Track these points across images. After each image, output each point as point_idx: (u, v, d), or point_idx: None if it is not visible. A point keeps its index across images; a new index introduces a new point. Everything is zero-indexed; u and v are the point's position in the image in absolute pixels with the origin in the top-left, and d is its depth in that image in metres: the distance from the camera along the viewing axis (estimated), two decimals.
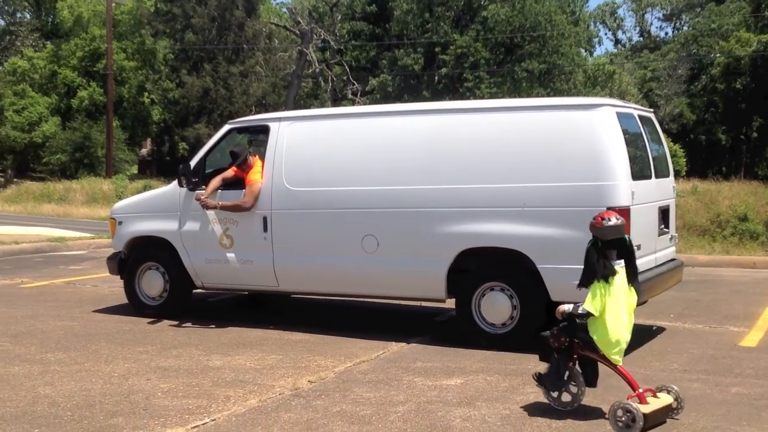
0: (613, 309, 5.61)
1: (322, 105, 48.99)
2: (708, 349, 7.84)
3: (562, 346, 5.73)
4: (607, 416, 5.47)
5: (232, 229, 8.79)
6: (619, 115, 7.58)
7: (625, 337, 5.69)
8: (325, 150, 8.59)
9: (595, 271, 5.63)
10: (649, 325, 9.03)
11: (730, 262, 14.79)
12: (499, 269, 7.85)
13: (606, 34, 73.59)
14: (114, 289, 11.15)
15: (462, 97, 40.64)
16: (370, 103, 41.20)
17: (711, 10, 52.03)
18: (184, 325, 8.88)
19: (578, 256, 7.26)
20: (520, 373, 6.82)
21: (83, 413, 5.69)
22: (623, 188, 7.30)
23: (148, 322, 9.05)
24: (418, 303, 9.54)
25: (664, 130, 9.61)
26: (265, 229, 8.63)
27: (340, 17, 50.69)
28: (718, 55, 44.82)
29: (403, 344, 8.02)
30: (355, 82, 48.46)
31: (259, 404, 5.96)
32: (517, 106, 8.26)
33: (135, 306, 9.54)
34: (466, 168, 7.83)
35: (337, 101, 48.71)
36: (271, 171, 8.66)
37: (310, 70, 51.67)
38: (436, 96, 41.96)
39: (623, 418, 5.30)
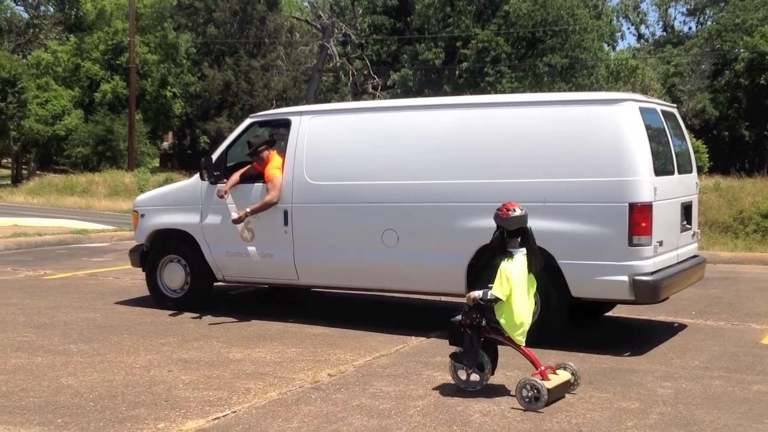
0: (518, 294, 5.94)
1: (343, 99, 49.05)
2: (729, 347, 7.79)
3: (473, 322, 6.01)
4: (513, 393, 5.81)
5: (253, 222, 8.82)
6: (642, 110, 7.53)
7: (527, 319, 6.04)
8: (346, 144, 8.60)
9: (497, 258, 6.01)
10: (670, 321, 8.98)
11: (753, 259, 14.66)
12: None
13: (629, 28, 73.15)
14: (136, 281, 11.23)
15: (483, 91, 40.56)
16: (390, 98, 41.18)
17: (735, 4, 51.56)
18: (205, 317, 8.94)
19: (600, 252, 7.30)
20: None
21: (105, 404, 5.74)
22: (645, 184, 7.25)
23: (170, 315, 9.11)
24: (437, 298, 9.53)
25: (687, 126, 9.54)
26: (286, 223, 8.66)
27: (361, 11, 50.70)
28: (742, 50, 44.42)
29: (423, 339, 8.02)
30: (375, 77, 48.46)
31: (279, 397, 5.99)
32: (539, 101, 8.23)
33: (156, 298, 9.61)
34: (487, 163, 7.81)
35: (357, 95, 48.73)
36: (292, 165, 8.68)
37: (331, 64, 51.75)
38: (457, 90, 41.89)
39: (530, 394, 5.68)
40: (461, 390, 6.13)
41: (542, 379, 5.76)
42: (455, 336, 6.14)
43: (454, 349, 6.18)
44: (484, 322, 6.02)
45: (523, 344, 6.02)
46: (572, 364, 6.12)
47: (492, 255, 6.13)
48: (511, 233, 6.02)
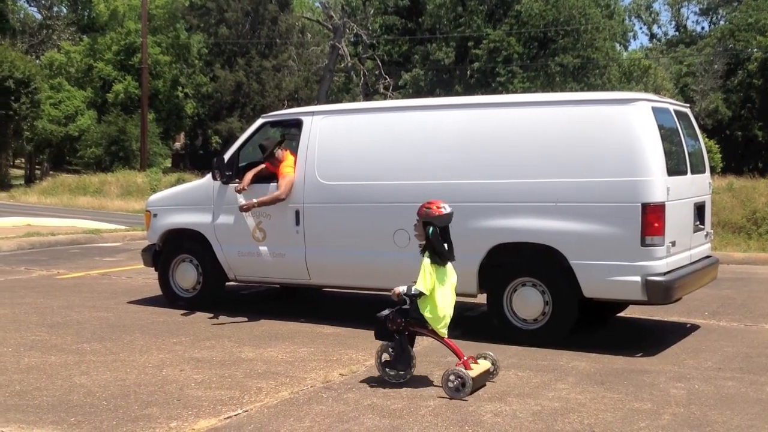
0: (441, 288, 6.25)
1: (354, 99, 49.07)
2: (743, 348, 7.75)
3: (399, 327, 6.29)
4: (440, 383, 6.08)
5: (265, 222, 8.84)
6: (655, 110, 7.51)
7: (449, 312, 6.34)
8: (358, 144, 8.60)
9: (442, 251, 6.29)
10: (683, 322, 8.95)
11: (766, 260, 14.58)
12: (532, 265, 7.81)
13: (641, 28, 72.97)
14: (148, 280, 11.28)
15: (494, 91, 40.51)
16: (402, 98, 41.16)
17: (748, 4, 51.30)
18: (217, 317, 8.96)
19: (612, 252, 7.28)
20: (551, 369, 6.79)
21: (118, 402, 5.77)
22: (658, 184, 7.22)
23: (182, 314, 9.14)
24: None
25: (700, 126, 9.50)
26: (298, 223, 8.67)
27: (372, 11, 50.69)
28: (755, 50, 44.18)
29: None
30: (387, 77, 48.48)
31: (291, 396, 6.00)
32: (551, 101, 8.21)
33: (169, 298, 9.64)
34: (499, 163, 7.80)
35: (369, 95, 48.75)
36: (304, 165, 8.69)
37: (343, 65, 51.80)
38: (469, 91, 41.84)
39: (455, 382, 5.97)
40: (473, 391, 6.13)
41: (465, 368, 6.04)
42: (381, 331, 6.39)
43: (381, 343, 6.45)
44: (409, 319, 6.29)
45: (446, 336, 6.34)
46: (491, 354, 6.46)
47: (440, 251, 6.33)
48: (435, 231, 6.30)
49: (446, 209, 6.37)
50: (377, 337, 6.45)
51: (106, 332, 8.14)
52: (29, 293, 10.45)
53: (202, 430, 5.22)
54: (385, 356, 6.42)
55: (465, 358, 6.20)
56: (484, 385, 6.26)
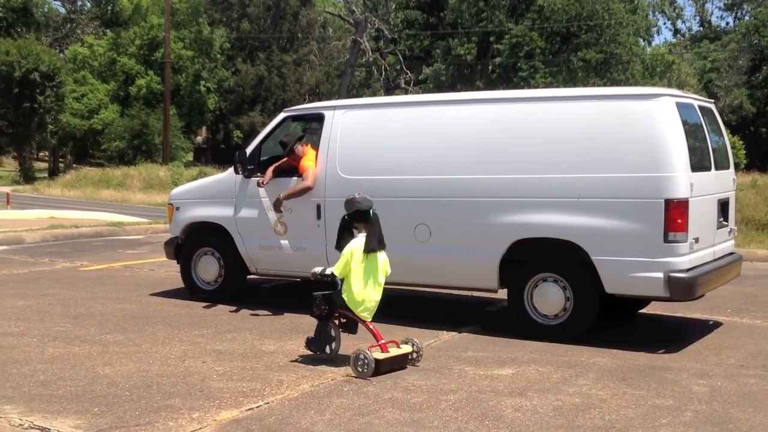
0: (357, 274, 6.62)
1: (375, 94, 49.08)
2: (766, 345, 7.69)
3: (322, 313, 6.74)
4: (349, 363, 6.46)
5: (286, 216, 8.87)
6: (679, 105, 7.45)
7: (369, 297, 6.67)
8: (379, 139, 8.60)
9: (345, 239, 6.75)
10: (705, 319, 8.89)
11: None
12: (553, 260, 7.79)
13: (665, 23, 72.31)
14: (170, 273, 11.35)
15: (516, 87, 40.32)
16: (423, 93, 41.11)
17: None
18: (238, 310, 9.01)
19: (635, 248, 7.25)
20: (572, 365, 6.78)
21: (141, 393, 5.82)
22: (682, 180, 7.17)
23: (204, 306, 9.20)
24: (469, 293, 9.52)
25: (724, 122, 9.42)
26: (319, 217, 8.69)
27: (394, 6, 50.65)
28: None
29: (455, 333, 8.02)
30: (408, 72, 48.45)
31: (312, 389, 6.02)
32: (574, 96, 8.16)
33: (191, 290, 9.70)
34: (521, 158, 7.78)
35: (390, 90, 48.76)
36: (325, 159, 8.71)
37: (364, 59, 51.81)
38: (490, 86, 41.71)
39: (359, 362, 6.38)
40: (492, 385, 6.13)
41: (381, 351, 6.48)
42: (313, 311, 6.84)
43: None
44: (335, 304, 6.71)
45: (368, 320, 6.71)
46: (416, 340, 6.81)
47: (344, 239, 6.82)
48: (359, 218, 6.76)
49: (367, 199, 6.89)
50: (312, 315, 6.90)
51: (129, 324, 8.21)
52: (53, 285, 10.56)
53: (224, 422, 5.26)
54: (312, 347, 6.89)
55: (383, 341, 6.57)
56: (404, 367, 6.63)
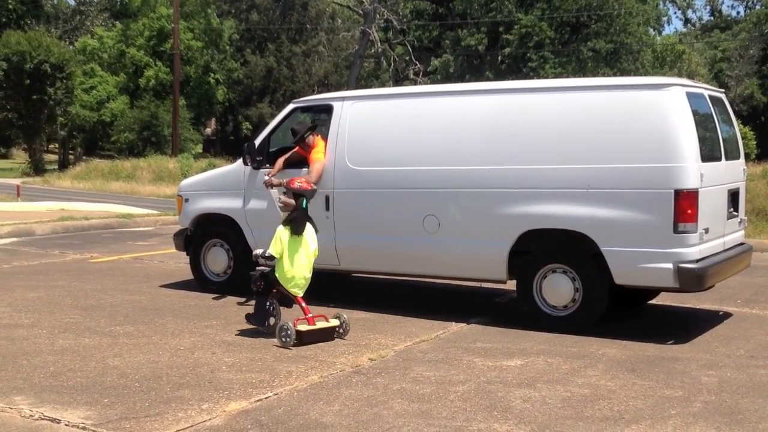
0: (294, 253, 7.24)
1: (384, 85, 49.00)
2: None
3: (258, 289, 7.35)
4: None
5: None
6: (689, 95, 7.41)
7: (300, 274, 7.28)
8: (388, 129, 8.59)
9: (303, 222, 7.33)
10: (715, 310, 8.86)
11: None
12: (562, 251, 7.77)
13: (675, 13, 71.96)
14: (180, 265, 11.38)
15: (526, 77, 40.19)
16: (432, 84, 41.01)
17: None
18: (247, 301, 9.01)
19: (644, 238, 7.22)
20: (581, 356, 6.77)
21: (151, 384, 5.84)
22: (692, 170, 7.14)
23: (213, 298, 9.22)
24: (478, 284, 9.51)
25: (735, 112, 9.37)
26: (327, 208, 8.69)
27: None
28: None
29: (463, 325, 8.02)
30: (417, 62, 48.33)
31: (321, 380, 6.04)
32: (583, 86, 8.13)
33: (200, 282, 9.72)
34: (530, 148, 7.75)
35: (398, 81, 48.67)
36: (334, 150, 8.70)
37: (373, 50, 51.71)
38: (499, 76, 41.57)
39: (283, 333, 6.97)
40: (501, 376, 6.13)
41: (308, 324, 7.10)
42: (252, 288, 7.47)
43: None
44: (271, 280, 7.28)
45: (299, 295, 7.30)
46: (344, 315, 7.40)
47: (295, 220, 7.35)
48: (298, 204, 7.36)
49: (314, 186, 7.64)
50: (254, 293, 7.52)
51: (138, 315, 8.24)
52: (63, 276, 10.61)
53: (233, 413, 5.28)
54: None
55: (311, 315, 7.18)
56: (331, 338, 7.22)
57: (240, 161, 9.33)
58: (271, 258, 7.25)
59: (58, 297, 9.13)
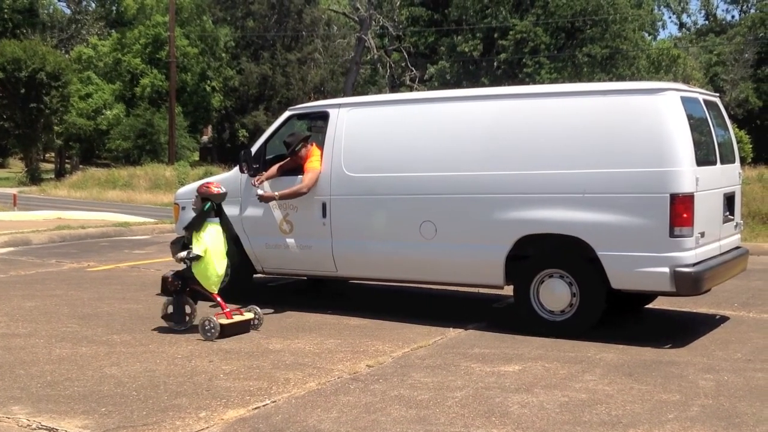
0: (212, 251, 7.74)
1: (380, 91, 49.09)
2: None
3: (176, 288, 7.76)
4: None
5: (292, 214, 8.88)
6: (684, 100, 7.43)
7: (218, 272, 7.82)
8: (384, 136, 8.60)
9: (200, 223, 7.80)
10: (712, 313, 8.87)
11: None
12: (559, 256, 7.78)
13: (670, 17, 72.20)
14: None
15: (521, 83, 40.25)
16: (428, 90, 41.03)
17: None
18: (242, 308, 9.00)
19: (640, 243, 7.23)
20: (578, 361, 6.77)
21: (148, 393, 5.83)
22: (687, 174, 7.16)
23: (210, 306, 9.16)
24: (475, 289, 9.52)
25: (730, 116, 9.39)
26: (324, 215, 8.70)
27: (398, 3, 50.59)
28: None
29: (461, 330, 8.02)
30: (413, 69, 48.41)
31: (318, 387, 6.03)
32: (579, 91, 8.14)
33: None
34: (526, 154, 7.77)
35: (395, 88, 48.74)
36: (330, 157, 8.71)
37: (369, 57, 51.81)
38: (495, 82, 41.65)
39: (206, 327, 7.47)
40: (499, 382, 6.13)
41: (226, 318, 7.55)
42: (165, 290, 7.92)
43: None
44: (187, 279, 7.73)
45: (215, 292, 7.81)
46: (257, 308, 7.97)
47: (199, 223, 7.85)
48: (213, 205, 7.87)
49: (222, 189, 8.01)
50: (162, 293, 8.00)
51: (135, 324, 8.23)
52: (60, 285, 10.59)
53: (231, 420, 5.27)
54: (170, 309, 7.85)
55: (228, 309, 7.67)
56: (248, 330, 7.75)
57: (236, 169, 9.33)
58: (197, 257, 7.67)
59: (55, 306, 9.12)
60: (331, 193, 8.66)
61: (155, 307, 9.16)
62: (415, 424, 5.21)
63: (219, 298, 7.80)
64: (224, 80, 54.83)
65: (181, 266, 7.97)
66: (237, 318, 7.73)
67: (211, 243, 7.76)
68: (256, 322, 7.91)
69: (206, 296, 7.94)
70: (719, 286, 8.34)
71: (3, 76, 42.73)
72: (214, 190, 7.96)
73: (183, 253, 7.80)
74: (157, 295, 8.68)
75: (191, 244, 7.83)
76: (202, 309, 8.15)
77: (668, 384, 6.11)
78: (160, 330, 7.92)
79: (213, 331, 7.43)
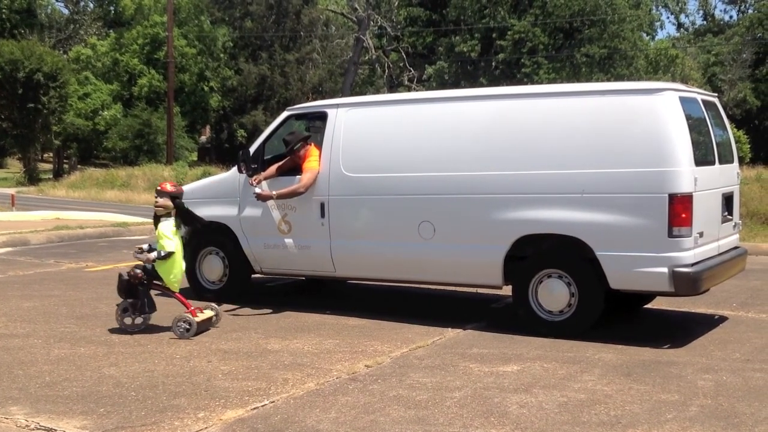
0: (177, 251, 7.81)
1: (378, 92, 49.11)
2: None
3: (142, 280, 7.70)
4: (172, 328, 7.59)
5: (290, 215, 8.87)
6: (682, 100, 7.43)
7: (179, 270, 7.89)
8: (383, 136, 8.60)
9: (194, 221, 8.08)
10: (711, 314, 8.88)
11: None
12: (557, 256, 7.78)
13: (668, 17, 72.22)
14: None
15: (520, 83, 40.26)
16: (426, 90, 41.02)
17: None
18: (243, 309, 9.02)
19: (639, 243, 7.24)
20: (577, 361, 6.78)
21: (147, 393, 5.83)
22: (686, 174, 7.16)
23: None
24: (474, 290, 9.52)
25: (728, 116, 9.41)
26: (323, 215, 8.69)
27: (397, 3, 50.57)
28: None
29: (460, 330, 8.02)
30: (411, 69, 48.41)
31: (317, 387, 6.03)
32: (577, 91, 8.14)
33: (195, 290, 9.70)
34: (525, 154, 7.77)
35: (393, 88, 48.75)
36: (329, 157, 8.71)
37: (367, 57, 51.80)
38: (494, 82, 41.64)
39: (183, 326, 7.55)
40: (498, 382, 6.13)
41: (192, 316, 7.60)
42: (122, 290, 7.78)
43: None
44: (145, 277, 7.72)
45: (177, 291, 7.85)
46: (215, 305, 8.11)
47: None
48: (181, 204, 7.90)
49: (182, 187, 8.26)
50: (119, 294, 7.83)
51: None
52: (58, 285, 10.58)
53: (230, 421, 5.27)
54: (125, 307, 7.79)
55: (192, 308, 7.72)
56: (208, 329, 7.84)
57: (235, 169, 9.33)
58: (170, 255, 7.69)
59: (54, 306, 9.11)
60: (330, 194, 8.66)
61: None
62: (414, 424, 5.21)
63: (181, 297, 7.86)
64: (222, 80, 54.80)
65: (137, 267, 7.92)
66: (201, 316, 7.81)
67: (177, 241, 7.84)
68: (215, 319, 8.02)
69: (167, 295, 7.95)
70: (718, 286, 8.35)
71: (1, 77, 42.70)
72: (178, 189, 8.08)
73: (154, 254, 7.72)
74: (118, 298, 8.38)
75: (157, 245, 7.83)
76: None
77: (667, 384, 6.11)
78: (159, 330, 7.91)
79: (191, 328, 7.54)
